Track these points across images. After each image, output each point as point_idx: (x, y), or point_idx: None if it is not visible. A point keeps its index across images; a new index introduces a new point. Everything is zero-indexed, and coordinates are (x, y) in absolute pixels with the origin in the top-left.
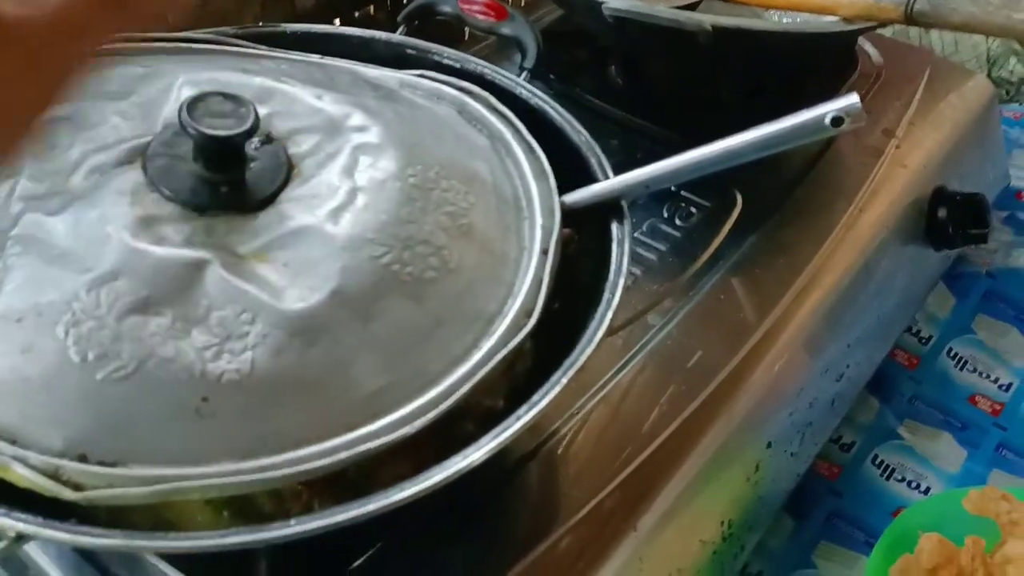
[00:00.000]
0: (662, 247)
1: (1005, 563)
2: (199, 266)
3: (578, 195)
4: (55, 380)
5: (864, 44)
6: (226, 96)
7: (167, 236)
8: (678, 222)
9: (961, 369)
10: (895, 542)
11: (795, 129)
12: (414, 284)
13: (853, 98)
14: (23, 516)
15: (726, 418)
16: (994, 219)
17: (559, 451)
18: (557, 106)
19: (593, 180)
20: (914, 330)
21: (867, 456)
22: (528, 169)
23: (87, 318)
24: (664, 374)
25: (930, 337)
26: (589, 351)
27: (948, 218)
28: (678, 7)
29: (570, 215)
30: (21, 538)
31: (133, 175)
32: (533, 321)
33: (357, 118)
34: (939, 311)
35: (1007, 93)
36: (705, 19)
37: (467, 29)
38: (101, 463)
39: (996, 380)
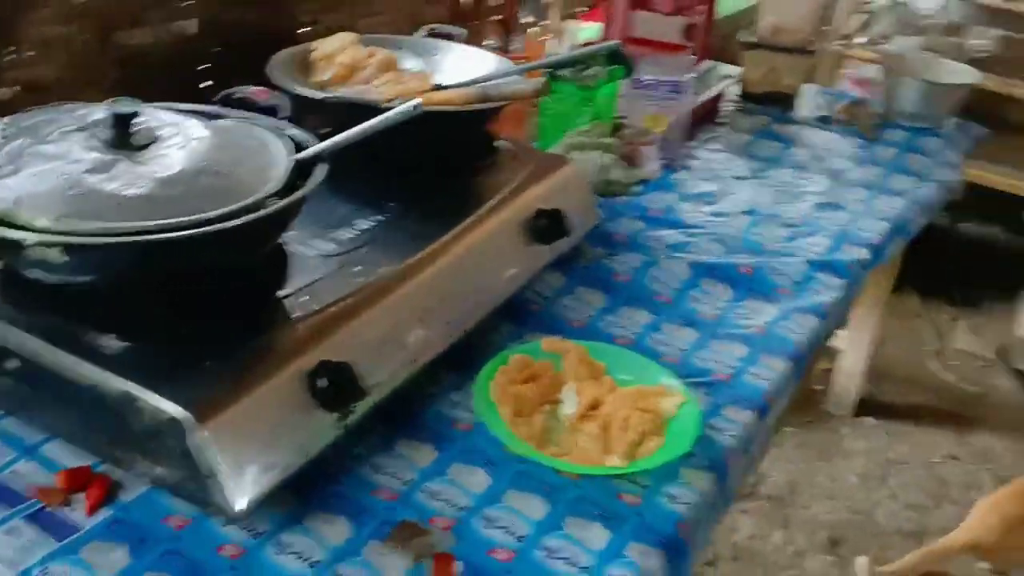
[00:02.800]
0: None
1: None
2: (117, 160)
3: (300, 155)
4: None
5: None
6: (126, 114)
7: (106, 156)
8: (374, 219)
9: None
10: (496, 363)
11: (390, 117)
12: (219, 175)
13: (418, 100)
14: None
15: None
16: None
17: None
18: (299, 131)
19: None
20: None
21: None
22: (284, 148)
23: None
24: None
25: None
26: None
27: (544, 226)
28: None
29: (300, 163)
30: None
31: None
32: (278, 185)
33: (195, 125)
34: None
35: (614, 190)
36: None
37: None
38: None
39: None
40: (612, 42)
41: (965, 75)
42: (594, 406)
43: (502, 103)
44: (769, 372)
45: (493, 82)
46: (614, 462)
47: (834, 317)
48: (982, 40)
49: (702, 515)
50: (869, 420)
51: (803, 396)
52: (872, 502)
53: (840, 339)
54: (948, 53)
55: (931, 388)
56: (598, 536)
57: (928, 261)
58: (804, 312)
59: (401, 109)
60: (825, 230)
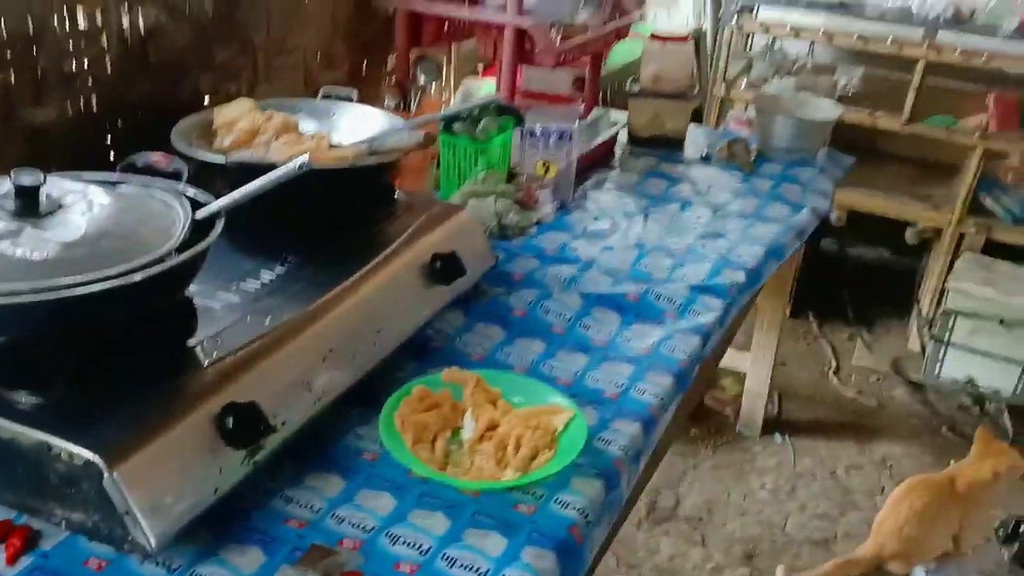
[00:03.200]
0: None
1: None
2: (23, 227)
3: (198, 213)
4: None
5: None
6: (29, 186)
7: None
8: (278, 270)
9: None
10: (399, 395)
11: (280, 174)
12: (121, 237)
13: (305, 157)
14: None
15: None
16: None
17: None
18: (198, 191)
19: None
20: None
21: None
22: (183, 208)
23: None
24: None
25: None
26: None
27: (440, 268)
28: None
29: (199, 221)
30: None
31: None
32: (177, 241)
33: (98, 191)
34: None
35: (509, 233)
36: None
37: None
38: None
39: None
40: (492, 96)
41: (830, 111)
42: (491, 427)
43: (389, 156)
44: (655, 388)
45: (381, 137)
46: (509, 476)
47: (716, 335)
48: (849, 79)
49: (593, 518)
50: (777, 438)
51: (716, 421)
52: (783, 514)
53: (742, 362)
54: (819, 92)
55: (833, 404)
56: (496, 544)
57: (824, 286)
58: (687, 332)
59: (290, 166)
60: (706, 258)
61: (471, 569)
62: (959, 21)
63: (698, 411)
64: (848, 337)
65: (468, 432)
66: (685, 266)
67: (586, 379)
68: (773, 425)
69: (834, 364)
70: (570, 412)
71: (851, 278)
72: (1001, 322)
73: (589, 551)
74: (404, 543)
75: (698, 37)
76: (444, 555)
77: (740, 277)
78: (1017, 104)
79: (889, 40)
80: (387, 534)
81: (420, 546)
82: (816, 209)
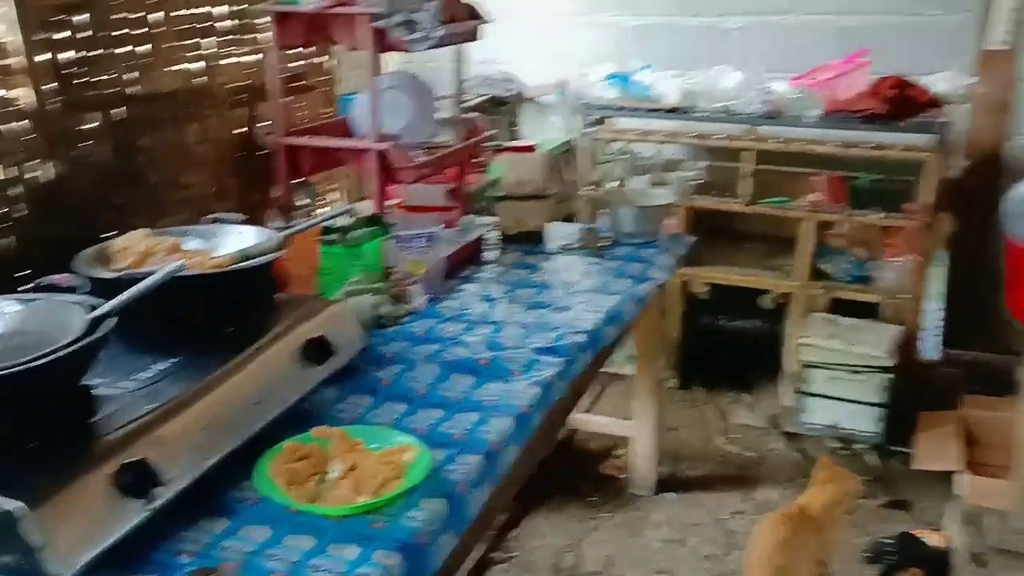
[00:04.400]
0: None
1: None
2: None
3: (93, 313)
4: None
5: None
6: None
7: None
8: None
9: None
10: (273, 451)
11: (159, 276)
12: (28, 335)
13: (180, 262)
14: None
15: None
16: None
17: None
18: (95, 299)
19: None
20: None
21: None
22: (83, 311)
23: None
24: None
25: None
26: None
27: (312, 351)
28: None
29: (94, 320)
30: None
31: None
32: (75, 336)
33: (10, 304)
34: None
35: (384, 322)
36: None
37: None
38: None
39: None
40: (344, 207)
41: (665, 197)
42: (353, 468)
43: (260, 260)
44: (496, 428)
45: (254, 247)
46: (363, 500)
47: (558, 386)
48: (696, 171)
49: (438, 528)
50: (670, 495)
51: (614, 486)
52: (675, 560)
53: (629, 429)
54: (670, 185)
55: (718, 460)
56: (353, 552)
57: (707, 358)
58: (529, 385)
59: (167, 269)
60: (553, 327)
61: (330, 572)
62: (773, 115)
63: (597, 479)
64: (731, 401)
65: (334, 474)
66: (534, 335)
67: (440, 427)
68: (667, 484)
69: (720, 425)
70: (417, 449)
71: (728, 347)
72: (851, 370)
73: (435, 554)
74: (277, 559)
75: (568, 148)
76: (310, 564)
77: (581, 339)
78: (842, 182)
79: (721, 135)
80: (264, 554)
81: (290, 560)
82: (656, 280)
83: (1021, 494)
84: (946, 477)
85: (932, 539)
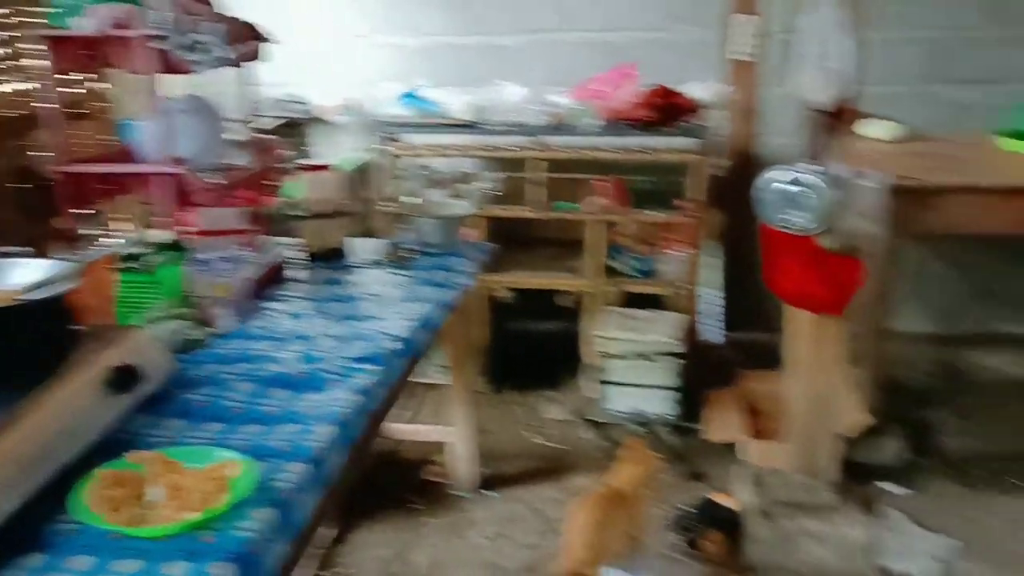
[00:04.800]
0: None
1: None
2: None
3: None
4: None
5: None
6: None
7: None
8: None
9: None
10: (85, 480)
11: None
12: None
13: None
14: None
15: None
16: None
17: None
18: None
19: None
20: None
21: None
22: None
23: None
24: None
25: None
26: None
27: (119, 379)
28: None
29: None
30: None
31: None
32: None
33: None
34: None
35: (190, 346)
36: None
37: None
38: None
39: None
40: (136, 235)
41: (460, 209)
42: (177, 489)
43: (50, 291)
44: (319, 436)
45: (42, 279)
46: (189, 517)
47: (377, 392)
48: (491, 182)
49: (268, 536)
50: (491, 493)
51: (436, 491)
52: (500, 554)
53: (447, 435)
54: (467, 197)
55: (533, 454)
56: (184, 569)
57: (516, 359)
58: (349, 392)
59: None
60: (367, 338)
61: None
62: (556, 126)
63: (420, 486)
64: (540, 398)
65: (154, 496)
66: (348, 345)
67: (261, 441)
68: (487, 483)
69: (531, 422)
70: (241, 463)
71: (534, 348)
72: (645, 357)
73: (271, 561)
74: None
75: (363, 166)
76: None
77: (397, 345)
78: (623, 185)
79: (511, 147)
80: None
81: None
82: (461, 286)
83: (793, 453)
84: (733, 447)
85: (727, 501)
